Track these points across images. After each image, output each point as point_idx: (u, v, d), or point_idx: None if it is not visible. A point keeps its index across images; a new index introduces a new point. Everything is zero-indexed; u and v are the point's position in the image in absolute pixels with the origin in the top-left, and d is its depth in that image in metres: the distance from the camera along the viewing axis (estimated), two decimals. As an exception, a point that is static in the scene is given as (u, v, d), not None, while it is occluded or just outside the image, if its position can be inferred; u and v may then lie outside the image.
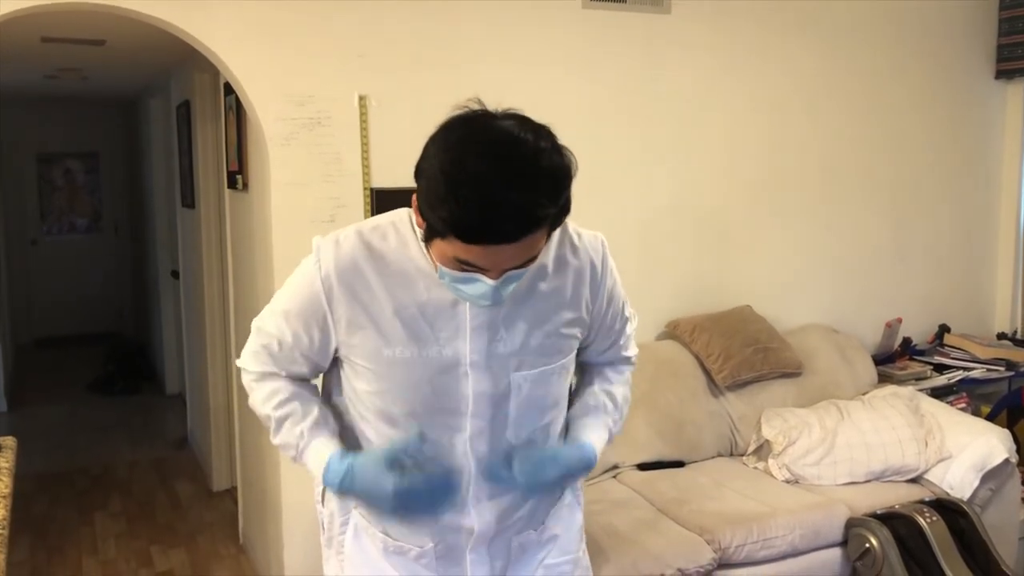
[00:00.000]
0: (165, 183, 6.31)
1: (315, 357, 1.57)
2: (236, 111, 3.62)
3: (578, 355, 1.68)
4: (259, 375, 1.62)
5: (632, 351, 1.78)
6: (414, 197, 1.37)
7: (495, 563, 1.62)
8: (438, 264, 1.39)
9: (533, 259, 1.37)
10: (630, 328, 1.75)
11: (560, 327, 1.54)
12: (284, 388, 1.60)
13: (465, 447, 1.52)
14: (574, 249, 1.57)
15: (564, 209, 1.35)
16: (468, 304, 1.46)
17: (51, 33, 4.38)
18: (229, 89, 3.65)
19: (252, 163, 3.48)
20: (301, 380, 1.63)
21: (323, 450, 1.53)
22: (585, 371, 1.76)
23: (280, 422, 1.59)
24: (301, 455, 1.57)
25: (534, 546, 1.66)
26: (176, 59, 4.93)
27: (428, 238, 1.38)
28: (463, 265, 1.34)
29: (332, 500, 1.68)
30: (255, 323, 1.63)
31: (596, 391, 1.71)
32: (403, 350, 1.47)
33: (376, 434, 1.55)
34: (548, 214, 1.30)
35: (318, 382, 1.69)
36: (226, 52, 2.98)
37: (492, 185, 1.24)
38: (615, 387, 1.73)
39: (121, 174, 9.01)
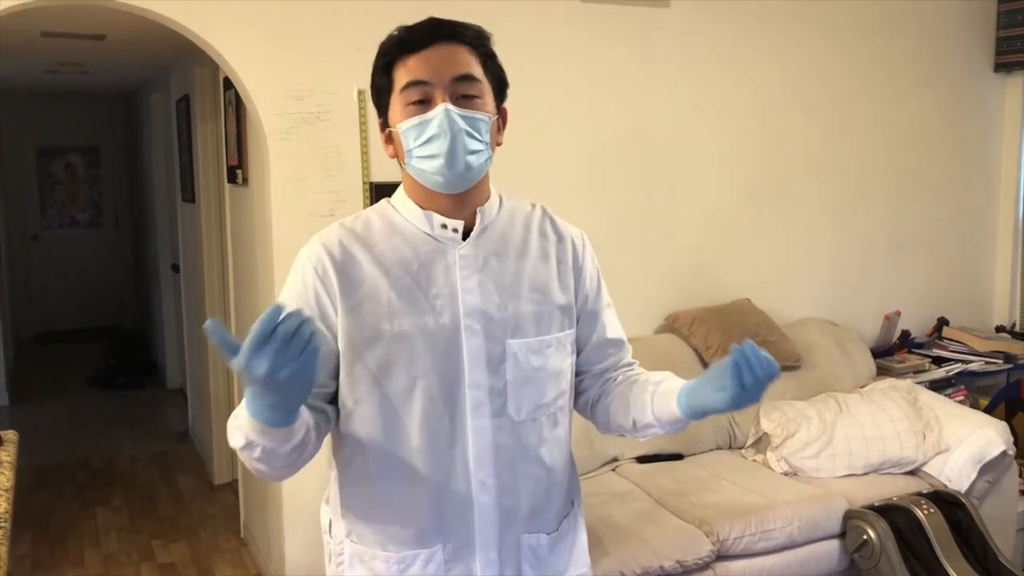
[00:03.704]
0: (165, 177, 6.32)
1: (321, 360, 1.43)
2: (236, 106, 3.63)
3: (588, 372, 1.67)
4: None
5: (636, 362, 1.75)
6: (379, 126, 1.55)
7: (506, 571, 1.57)
8: (399, 133, 1.48)
9: (471, 80, 1.47)
10: (629, 349, 1.73)
11: (551, 297, 1.57)
12: None
13: (466, 424, 1.51)
14: (555, 227, 1.64)
15: (484, 43, 1.52)
16: (459, 267, 1.51)
17: (51, 28, 4.39)
18: (229, 84, 3.65)
19: (252, 157, 3.49)
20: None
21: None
22: (617, 384, 1.67)
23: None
24: (245, 429, 1.34)
25: (546, 555, 1.62)
26: (176, 54, 4.93)
27: (383, 112, 1.53)
28: (411, 94, 1.46)
29: (337, 530, 1.63)
30: None
31: (656, 373, 1.63)
32: (401, 322, 1.47)
33: (376, 432, 1.52)
34: (465, 33, 1.50)
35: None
36: (225, 47, 2.99)
37: (413, 24, 1.51)
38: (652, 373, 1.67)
39: (121, 168, 9.02)
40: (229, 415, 1.41)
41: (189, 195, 5.00)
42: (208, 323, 1.19)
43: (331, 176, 3.14)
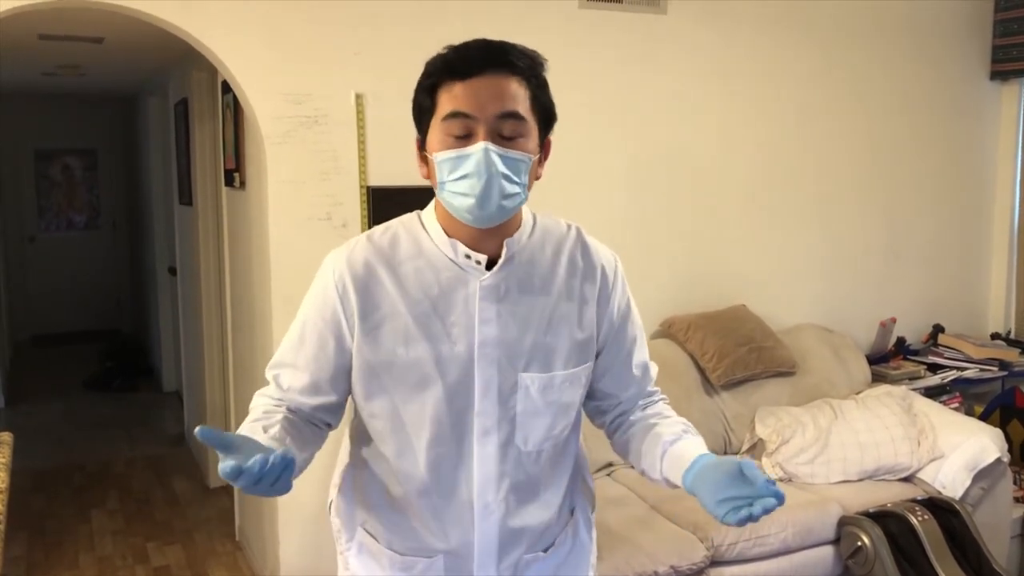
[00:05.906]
0: (163, 180, 6.32)
1: (330, 374, 1.51)
2: (234, 109, 3.64)
3: (608, 399, 1.66)
4: (257, 410, 1.52)
5: (662, 394, 1.72)
6: (416, 143, 1.49)
7: None
8: (434, 162, 1.42)
9: (517, 118, 1.40)
10: (654, 371, 1.71)
11: (571, 330, 1.54)
12: (274, 411, 1.50)
13: (472, 450, 1.51)
14: (585, 251, 1.59)
15: (536, 74, 1.44)
16: (479, 298, 1.48)
17: (49, 30, 4.40)
18: (227, 87, 3.66)
19: (249, 161, 3.49)
20: (307, 423, 1.55)
21: None
22: (634, 424, 1.66)
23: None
24: None
25: (540, 566, 1.63)
26: (174, 57, 4.94)
27: (421, 131, 1.46)
28: (452, 126, 1.39)
29: (340, 514, 1.66)
30: (268, 367, 1.57)
31: (672, 422, 1.63)
32: (416, 347, 1.46)
33: (387, 446, 1.54)
34: (517, 63, 1.41)
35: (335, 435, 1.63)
36: (223, 50, 2.99)
37: (464, 43, 1.44)
38: (679, 418, 1.66)
39: (119, 171, 9.02)
40: (225, 418, 1.44)
41: (186, 198, 5.00)
42: (198, 431, 1.22)
43: (328, 180, 3.14)
